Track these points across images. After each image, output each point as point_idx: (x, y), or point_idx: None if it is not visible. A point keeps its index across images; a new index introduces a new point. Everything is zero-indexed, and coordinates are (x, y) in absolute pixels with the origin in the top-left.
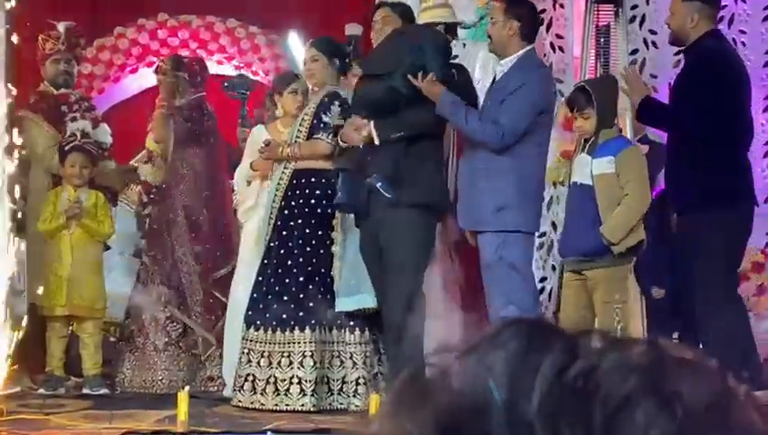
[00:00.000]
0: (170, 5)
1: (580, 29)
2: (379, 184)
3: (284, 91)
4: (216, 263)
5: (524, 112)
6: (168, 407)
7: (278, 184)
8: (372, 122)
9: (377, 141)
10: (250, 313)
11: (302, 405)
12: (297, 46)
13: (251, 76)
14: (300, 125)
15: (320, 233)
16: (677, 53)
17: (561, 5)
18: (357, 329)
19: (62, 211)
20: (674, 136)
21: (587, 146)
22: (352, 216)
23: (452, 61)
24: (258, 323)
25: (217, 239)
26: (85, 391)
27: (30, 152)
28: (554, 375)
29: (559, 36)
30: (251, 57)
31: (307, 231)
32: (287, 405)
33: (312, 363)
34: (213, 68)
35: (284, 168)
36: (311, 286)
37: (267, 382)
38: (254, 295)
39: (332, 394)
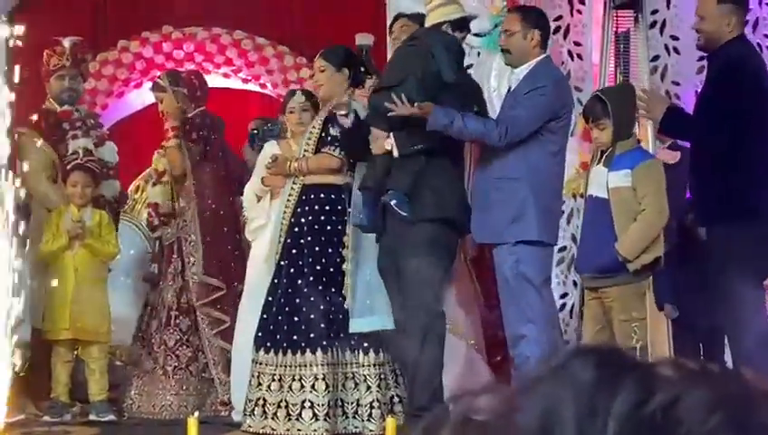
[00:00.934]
0: (175, 18)
1: (599, 35)
2: (394, 202)
3: (286, 111)
4: (231, 284)
5: (532, 113)
6: (177, 433)
7: (287, 200)
8: (392, 135)
9: (396, 154)
10: (260, 334)
11: (315, 430)
12: None
13: (278, 122)
14: (308, 139)
15: (330, 250)
16: (701, 59)
17: (579, 11)
18: (371, 350)
19: (65, 231)
20: (697, 145)
21: (603, 158)
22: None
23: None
24: (268, 345)
25: (232, 259)
26: (92, 417)
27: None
28: (630, 411)
29: (577, 43)
30: (259, 70)
31: (317, 249)
32: (299, 430)
33: (324, 387)
34: (219, 81)
35: (293, 183)
36: (322, 306)
37: (278, 407)
38: (264, 316)
39: (347, 418)
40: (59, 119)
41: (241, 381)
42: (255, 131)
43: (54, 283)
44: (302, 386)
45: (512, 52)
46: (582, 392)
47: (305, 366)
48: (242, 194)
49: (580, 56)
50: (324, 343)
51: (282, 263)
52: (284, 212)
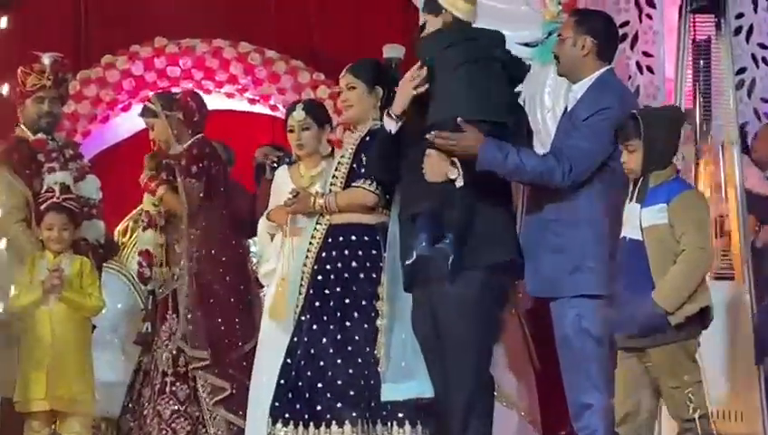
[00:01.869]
0: (169, 28)
1: (674, 45)
2: (444, 246)
3: (286, 131)
4: (234, 343)
5: (596, 144)
6: None
7: (309, 243)
8: (457, 160)
9: (460, 183)
10: (276, 404)
11: None
12: None
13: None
14: (336, 169)
15: (363, 303)
16: None
17: (649, 16)
18: (407, 422)
19: (39, 283)
20: None
21: (636, 192)
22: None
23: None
24: (287, 416)
25: (236, 314)
26: None
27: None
28: None
29: (647, 54)
30: (268, 88)
31: (346, 301)
32: None
33: None
34: (222, 103)
35: (317, 222)
36: (351, 370)
37: None
38: (282, 382)
39: None
40: (33, 149)
41: None
42: (264, 162)
43: (28, 344)
44: None
45: (560, 60)
46: None
47: None
48: (251, 235)
49: (650, 69)
50: (353, 413)
51: (302, 318)
52: (306, 257)
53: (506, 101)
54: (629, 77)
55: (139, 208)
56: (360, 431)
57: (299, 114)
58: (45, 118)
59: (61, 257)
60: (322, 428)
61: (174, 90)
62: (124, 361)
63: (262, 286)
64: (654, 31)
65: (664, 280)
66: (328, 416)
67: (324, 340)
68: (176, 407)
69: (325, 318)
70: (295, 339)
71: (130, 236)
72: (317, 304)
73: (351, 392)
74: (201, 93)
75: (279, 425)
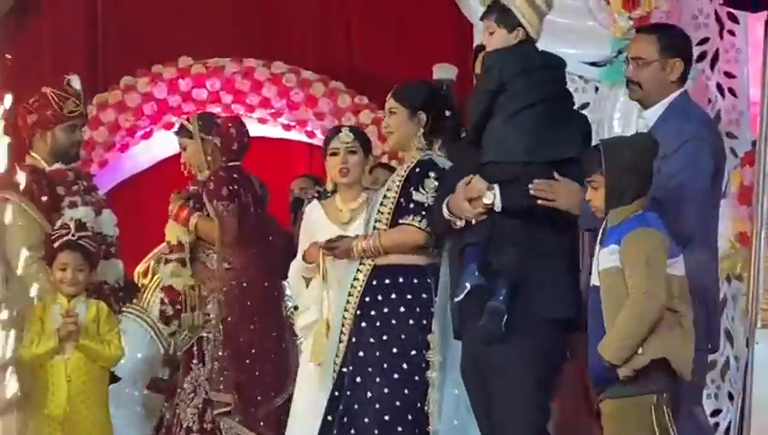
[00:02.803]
0: (195, 46)
1: (759, 64)
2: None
3: (327, 154)
4: (265, 394)
5: (699, 179)
6: None
7: (352, 286)
8: (497, 186)
9: (498, 207)
10: None
11: None
12: None
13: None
14: (381, 205)
15: (413, 353)
16: None
17: (731, 32)
18: None
19: (54, 330)
20: None
21: (601, 232)
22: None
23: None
24: None
25: (268, 362)
26: None
27: (11, 251)
28: None
29: (729, 75)
30: (305, 113)
31: (394, 350)
32: None
33: None
34: (254, 128)
35: (360, 264)
36: (399, 428)
37: None
38: None
39: None
40: (51, 180)
41: None
42: (301, 196)
43: (41, 396)
44: None
45: (643, 86)
46: None
47: None
48: (285, 277)
49: (732, 91)
50: None
51: (344, 370)
52: (348, 302)
53: (573, 136)
54: (709, 100)
55: (161, 247)
56: None
57: (347, 136)
58: (76, 147)
59: (75, 301)
60: None
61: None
62: (144, 416)
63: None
64: (737, 49)
65: (610, 330)
66: None
67: (369, 394)
68: None
69: (370, 370)
70: (336, 393)
71: (152, 278)
72: (360, 353)
73: None
74: None
75: None
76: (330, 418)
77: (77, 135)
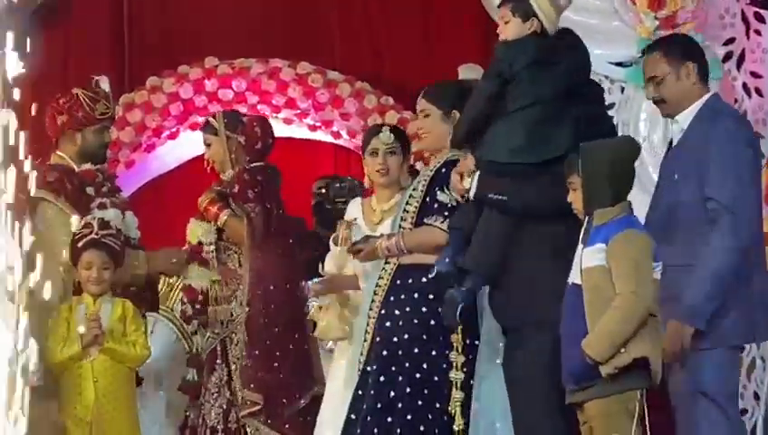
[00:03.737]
0: (221, 47)
1: None
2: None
3: (366, 153)
4: (290, 396)
5: (747, 180)
6: None
7: (377, 285)
8: (476, 174)
9: (471, 192)
10: None
11: None
12: None
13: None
14: (407, 204)
15: (434, 353)
16: None
17: (758, 32)
18: None
19: (78, 335)
20: None
21: (582, 232)
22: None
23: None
24: None
25: (292, 364)
26: None
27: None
28: None
29: (755, 75)
30: (331, 113)
31: (416, 350)
32: None
33: None
34: (280, 129)
35: (385, 262)
36: (422, 427)
37: None
38: None
39: None
40: (82, 181)
41: None
42: (321, 192)
43: (69, 399)
44: None
45: (668, 101)
46: None
47: None
48: (309, 277)
49: (759, 91)
50: None
51: (368, 369)
52: (372, 301)
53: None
54: (735, 101)
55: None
56: None
57: (387, 136)
58: (104, 148)
59: (100, 301)
60: None
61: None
62: (169, 415)
63: None
64: (763, 49)
65: (595, 327)
66: None
67: (393, 393)
68: None
69: (393, 369)
70: (360, 392)
71: (177, 278)
72: (384, 353)
73: None
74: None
75: None
76: (353, 416)
77: (106, 136)
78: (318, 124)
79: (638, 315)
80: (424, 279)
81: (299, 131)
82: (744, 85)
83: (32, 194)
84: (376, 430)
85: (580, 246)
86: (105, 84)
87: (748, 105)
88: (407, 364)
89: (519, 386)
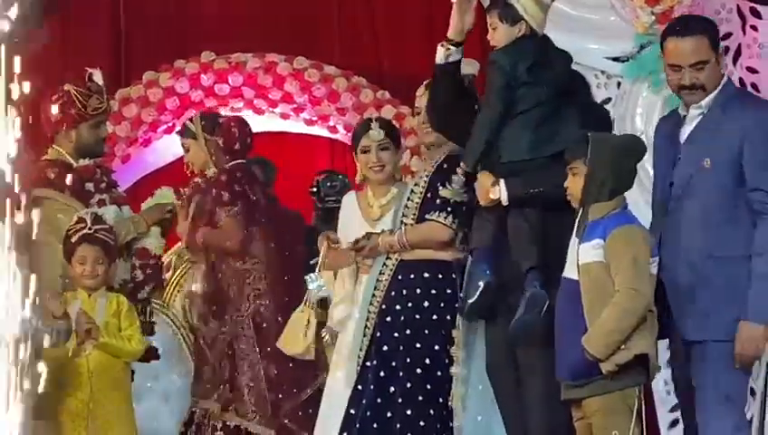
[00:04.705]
0: (217, 41)
1: None
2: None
3: (357, 151)
4: (290, 390)
5: None
6: None
7: (377, 280)
8: (501, 181)
9: (504, 201)
10: None
11: None
12: None
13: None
14: (408, 199)
15: (436, 348)
16: None
17: (754, 27)
18: None
19: (74, 330)
20: None
21: (576, 225)
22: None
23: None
24: None
25: (292, 358)
26: None
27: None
28: None
29: (752, 70)
30: (327, 108)
31: (417, 345)
32: None
33: None
34: (276, 124)
35: (387, 258)
36: (422, 422)
37: None
38: None
39: None
40: (81, 176)
41: None
42: (312, 191)
43: (64, 394)
44: None
45: (707, 87)
46: None
47: None
48: (307, 272)
49: (755, 87)
50: None
51: (368, 364)
52: (373, 296)
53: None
54: None
55: (176, 246)
56: None
57: (377, 133)
58: (101, 143)
59: (95, 295)
60: None
61: (222, 111)
62: (168, 410)
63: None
64: (759, 44)
65: (595, 324)
66: None
67: (392, 388)
68: None
69: (394, 364)
70: (359, 387)
71: (174, 273)
72: (385, 348)
73: None
74: (250, 117)
75: None
76: (353, 411)
77: (102, 131)
78: (314, 119)
79: (639, 312)
80: (426, 274)
81: (295, 126)
82: (741, 81)
83: (34, 193)
84: (375, 426)
85: (575, 239)
86: (98, 78)
87: None
88: (407, 359)
89: (535, 379)
